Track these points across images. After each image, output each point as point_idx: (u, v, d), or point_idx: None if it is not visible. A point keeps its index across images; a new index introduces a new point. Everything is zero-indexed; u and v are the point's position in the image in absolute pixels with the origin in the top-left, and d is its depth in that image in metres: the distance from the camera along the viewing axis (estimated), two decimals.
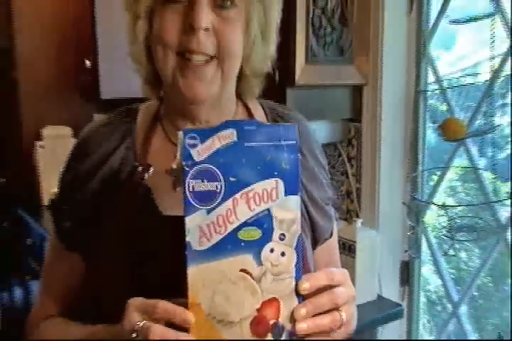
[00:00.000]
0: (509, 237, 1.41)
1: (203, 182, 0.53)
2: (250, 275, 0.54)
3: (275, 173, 0.54)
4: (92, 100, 2.42)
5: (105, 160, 0.75)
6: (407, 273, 1.70)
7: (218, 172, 0.54)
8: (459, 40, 1.69)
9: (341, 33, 1.51)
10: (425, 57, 1.55)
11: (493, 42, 1.30)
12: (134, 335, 0.53)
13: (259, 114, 0.83)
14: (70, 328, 0.73)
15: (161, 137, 0.77)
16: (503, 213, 1.40)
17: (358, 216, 1.67)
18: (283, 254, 0.54)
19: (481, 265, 1.50)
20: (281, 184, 0.54)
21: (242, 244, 0.54)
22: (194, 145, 0.54)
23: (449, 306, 1.60)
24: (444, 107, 1.51)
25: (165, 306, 0.53)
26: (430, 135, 1.65)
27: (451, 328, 1.63)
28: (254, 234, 0.54)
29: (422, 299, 1.71)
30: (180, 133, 0.54)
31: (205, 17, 0.65)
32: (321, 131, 1.60)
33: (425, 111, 1.60)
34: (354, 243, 1.49)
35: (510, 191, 1.37)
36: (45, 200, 2.31)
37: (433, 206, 1.53)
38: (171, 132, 0.76)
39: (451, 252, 1.44)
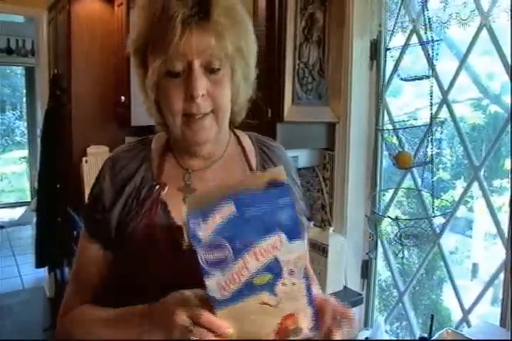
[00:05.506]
0: (441, 242, 1.61)
1: (212, 252, 0.55)
2: (269, 305, 0.57)
3: (276, 228, 0.55)
4: (125, 126, 2.75)
5: (130, 178, 0.82)
6: (367, 270, 1.84)
7: (225, 241, 0.55)
8: (403, 91, 1.86)
9: (319, 82, 1.70)
10: (382, 103, 1.73)
11: (431, 94, 1.46)
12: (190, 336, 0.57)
13: (246, 142, 0.90)
14: (98, 311, 0.79)
15: (172, 161, 0.84)
16: (437, 224, 1.56)
17: (330, 224, 1.80)
18: (294, 284, 0.57)
19: (421, 263, 1.66)
20: (283, 235, 0.55)
21: (258, 287, 0.56)
22: (198, 225, 0.54)
23: (395, 291, 1.77)
24: (396, 141, 1.58)
25: (209, 318, 0.57)
26: (385, 162, 1.80)
27: (396, 308, 1.79)
28: (267, 277, 0.56)
29: (376, 287, 1.85)
30: (185, 216, 0.56)
31: (200, 86, 0.71)
32: (302, 157, 1.77)
33: (382, 144, 1.74)
34: (327, 246, 1.65)
35: (440, 205, 1.57)
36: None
37: (387, 218, 1.64)
38: (180, 158, 0.84)
39: (401, 255, 1.64)
